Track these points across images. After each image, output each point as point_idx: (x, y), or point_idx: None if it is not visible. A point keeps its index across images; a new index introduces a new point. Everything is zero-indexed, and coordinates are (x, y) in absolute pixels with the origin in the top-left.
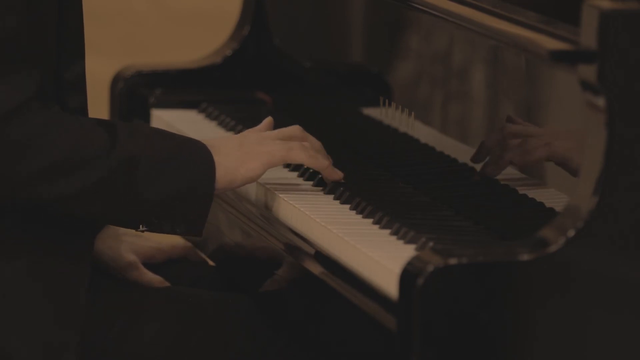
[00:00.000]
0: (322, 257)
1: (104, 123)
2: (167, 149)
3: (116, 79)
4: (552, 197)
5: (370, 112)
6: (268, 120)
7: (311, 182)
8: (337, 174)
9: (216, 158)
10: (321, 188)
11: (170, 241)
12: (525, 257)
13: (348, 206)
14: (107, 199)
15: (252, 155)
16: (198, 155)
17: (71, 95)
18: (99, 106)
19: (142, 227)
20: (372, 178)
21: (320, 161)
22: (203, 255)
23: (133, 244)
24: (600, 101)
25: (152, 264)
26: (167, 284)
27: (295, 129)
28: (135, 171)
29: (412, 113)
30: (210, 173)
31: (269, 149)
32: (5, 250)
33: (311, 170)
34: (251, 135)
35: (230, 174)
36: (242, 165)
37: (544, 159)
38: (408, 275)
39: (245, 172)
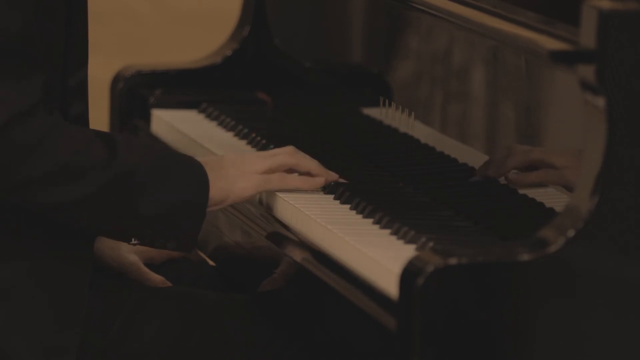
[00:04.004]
0: (322, 257)
1: (103, 135)
2: (163, 165)
3: (116, 79)
4: (552, 197)
5: (370, 112)
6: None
7: None
8: (332, 176)
9: (210, 176)
10: (321, 188)
11: None
12: (525, 257)
13: (348, 206)
14: (102, 211)
15: (246, 176)
16: (193, 173)
17: (73, 102)
18: (99, 106)
19: (134, 240)
20: (372, 178)
21: (316, 182)
22: (203, 255)
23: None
24: (600, 101)
25: (152, 264)
26: (169, 284)
27: (288, 150)
28: (131, 185)
29: (412, 113)
30: (203, 191)
31: (259, 168)
32: (6, 250)
33: None
34: (246, 156)
35: (223, 192)
36: (235, 185)
37: (539, 182)
38: (408, 275)
39: (237, 192)
